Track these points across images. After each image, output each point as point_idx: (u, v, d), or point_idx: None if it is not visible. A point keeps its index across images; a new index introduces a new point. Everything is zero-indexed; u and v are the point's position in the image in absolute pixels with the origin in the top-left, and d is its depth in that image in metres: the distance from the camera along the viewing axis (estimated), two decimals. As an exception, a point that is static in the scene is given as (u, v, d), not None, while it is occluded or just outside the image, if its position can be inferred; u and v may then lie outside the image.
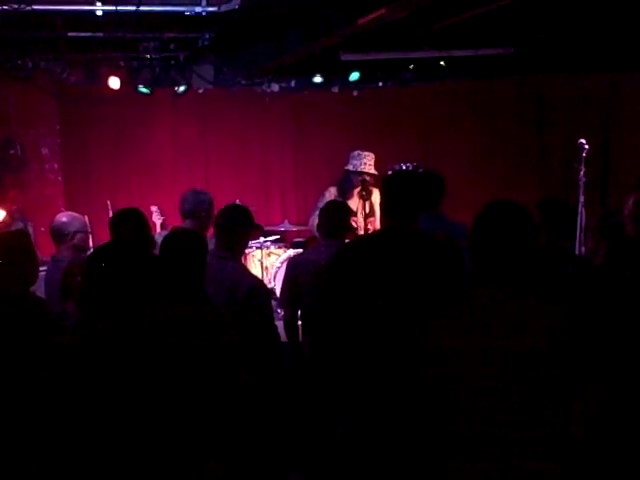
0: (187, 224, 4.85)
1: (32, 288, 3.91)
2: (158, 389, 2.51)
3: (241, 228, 4.05)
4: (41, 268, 4.82)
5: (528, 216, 2.57)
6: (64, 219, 4.51)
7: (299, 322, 4.69)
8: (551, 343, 2.40)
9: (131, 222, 4.30)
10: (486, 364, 2.43)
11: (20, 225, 7.22)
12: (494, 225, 2.53)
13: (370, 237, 4.50)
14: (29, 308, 3.41)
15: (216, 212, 4.23)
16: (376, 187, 6.08)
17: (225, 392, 2.84)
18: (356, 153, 6.46)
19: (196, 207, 4.85)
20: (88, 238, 4.73)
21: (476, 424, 2.45)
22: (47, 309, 3.53)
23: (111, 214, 7.12)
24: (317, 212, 6.52)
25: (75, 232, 4.41)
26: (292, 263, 4.72)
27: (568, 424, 2.42)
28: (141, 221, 4.35)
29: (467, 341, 2.47)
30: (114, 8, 6.07)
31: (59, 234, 4.43)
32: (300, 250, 7.60)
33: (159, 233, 5.99)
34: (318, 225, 4.72)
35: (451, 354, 2.50)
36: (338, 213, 4.66)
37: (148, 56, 7.71)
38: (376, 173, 6.33)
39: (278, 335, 3.94)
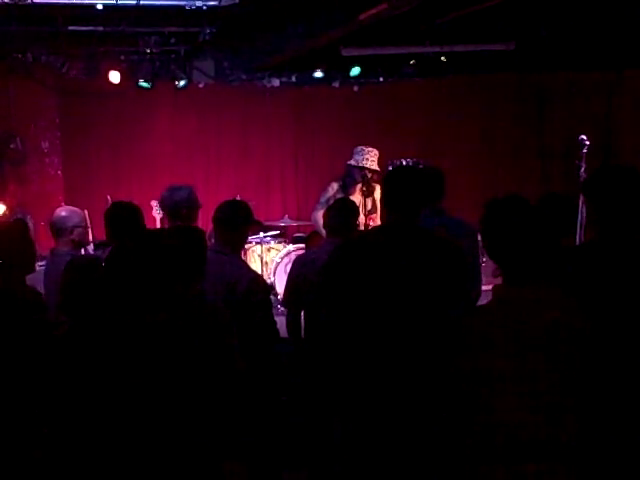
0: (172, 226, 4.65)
1: (31, 282, 3.91)
2: (154, 387, 2.50)
3: (240, 224, 4.03)
4: (40, 263, 4.82)
5: (545, 213, 2.52)
6: (63, 213, 4.49)
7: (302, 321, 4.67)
8: (582, 345, 2.42)
9: (127, 216, 4.27)
10: (520, 364, 2.42)
11: (20, 219, 7.22)
12: (519, 223, 2.44)
13: (370, 233, 4.49)
14: (26, 300, 3.41)
15: (215, 207, 4.20)
16: (379, 183, 6.06)
17: (225, 388, 2.84)
18: (359, 148, 6.44)
19: (175, 206, 4.65)
20: (87, 233, 4.70)
21: (501, 425, 2.44)
22: (43, 300, 3.53)
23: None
24: (319, 207, 6.52)
25: (74, 227, 4.40)
26: (298, 261, 4.70)
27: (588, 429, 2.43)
28: (137, 215, 4.32)
29: (504, 339, 2.44)
30: (114, 2, 6.07)
31: (58, 228, 4.42)
32: (301, 245, 7.60)
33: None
34: (324, 223, 4.70)
35: (486, 352, 2.46)
36: (345, 212, 4.63)
37: (148, 50, 7.71)
38: (378, 169, 6.30)
39: (277, 331, 3.93)
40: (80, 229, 4.45)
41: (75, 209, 4.59)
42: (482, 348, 2.45)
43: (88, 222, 4.80)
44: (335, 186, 6.57)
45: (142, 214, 4.41)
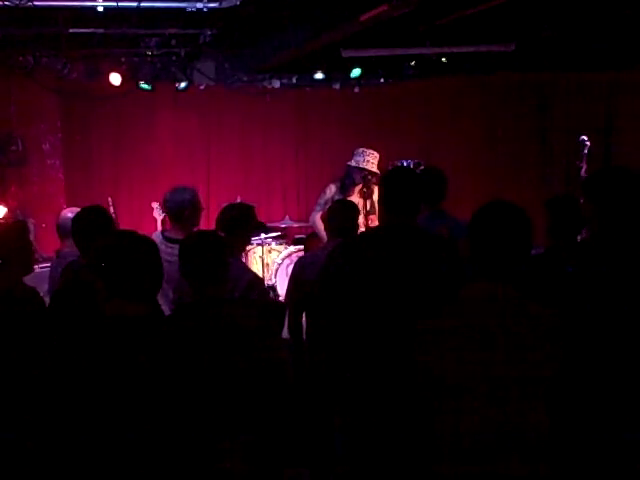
0: (174, 228, 4.65)
1: (34, 284, 3.90)
2: (156, 389, 2.52)
3: (242, 228, 4.06)
4: (42, 264, 4.82)
5: (526, 217, 2.61)
6: (69, 215, 4.47)
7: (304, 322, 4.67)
8: (543, 339, 2.49)
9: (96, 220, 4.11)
10: (482, 351, 2.47)
11: (21, 221, 7.22)
12: (495, 222, 2.56)
13: (369, 233, 4.49)
14: (25, 299, 3.42)
15: (216, 208, 4.21)
16: (377, 185, 6.07)
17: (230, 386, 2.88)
18: (360, 150, 6.46)
19: (178, 208, 4.62)
20: None
21: (468, 423, 2.48)
22: (42, 300, 3.54)
23: (112, 210, 7.11)
24: (318, 209, 6.54)
25: None
26: (300, 263, 4.71)
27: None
28: (107, 218, 4.15)
29: (463, 333, 2.50)
30: (115, 4, 6.08)
31: (64, 229, 4.41)
32: (301, 246, 7.61)
33: (158, 231, 5.96)
34: (325, 225, 4.71)
35: (444, 344, 2.53)
36: (347, 212, 4.63)
37: (149, 52, 7.71)
38: (377, 172, 6.31)
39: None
40: None
41: None
42: (445, 347, 2.50)
43: None
44: (333, 188, 6.58)
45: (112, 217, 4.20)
